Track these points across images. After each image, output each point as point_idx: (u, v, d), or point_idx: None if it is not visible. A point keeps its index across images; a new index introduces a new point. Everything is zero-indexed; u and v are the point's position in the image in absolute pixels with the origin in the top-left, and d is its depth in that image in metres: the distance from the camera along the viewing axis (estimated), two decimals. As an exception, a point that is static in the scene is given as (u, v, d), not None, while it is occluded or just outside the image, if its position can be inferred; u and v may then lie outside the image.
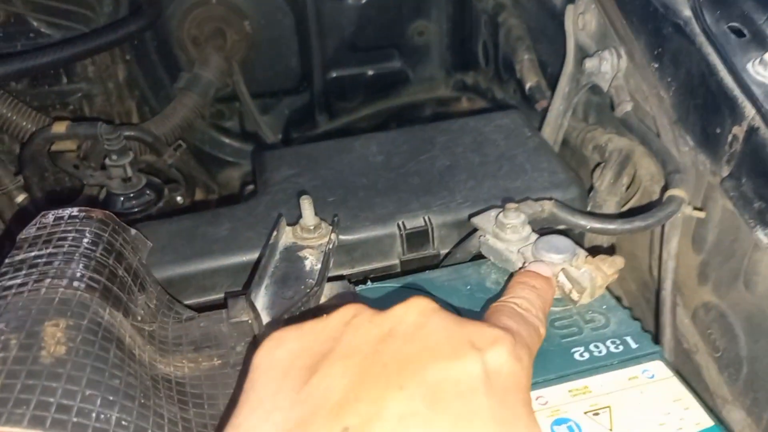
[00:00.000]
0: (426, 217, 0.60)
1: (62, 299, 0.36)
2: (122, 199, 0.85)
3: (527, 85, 0.89)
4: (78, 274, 0.38)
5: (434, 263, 0.60)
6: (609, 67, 0.61)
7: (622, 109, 0.60)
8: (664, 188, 0.57)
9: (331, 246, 0.49)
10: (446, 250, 0.60)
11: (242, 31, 1.22)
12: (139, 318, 0.41)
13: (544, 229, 0.53)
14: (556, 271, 0.43)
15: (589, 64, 0.62)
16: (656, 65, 0.59)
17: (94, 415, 0.32)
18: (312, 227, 0.52)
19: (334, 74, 1.32)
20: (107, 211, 0.45)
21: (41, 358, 0.33)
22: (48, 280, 0.37)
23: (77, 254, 0.40)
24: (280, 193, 0.65)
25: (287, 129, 1.35)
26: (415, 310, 0.32)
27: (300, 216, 0.54)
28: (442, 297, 0.46)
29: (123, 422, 0.33)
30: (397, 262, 0.60)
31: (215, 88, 1.17)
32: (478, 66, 1.23)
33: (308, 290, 0.46)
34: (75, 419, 0.31)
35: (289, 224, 0.56)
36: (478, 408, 0.28)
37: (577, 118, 0.81)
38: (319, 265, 0.49)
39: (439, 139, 0.71)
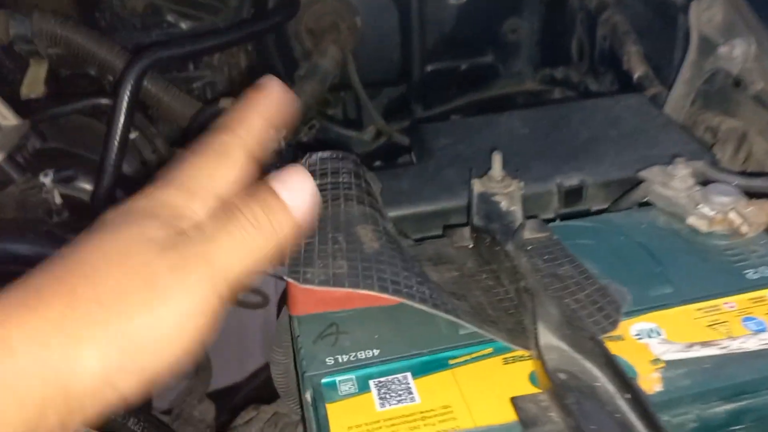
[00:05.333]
0: (579, 178, 0.70)
1: (359, 212, 0.47)
2: (274, 167, 0.97)
3: (636, 75, 0.99)
4: (358, 195, 0.49)
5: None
6: (740, 53, 0.70)
7: (756, 87, 0.70)
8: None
9: (522, 192, 0.60)
10: (596, 207, 0.70)
11: (353, 26, 1.33)
12: (392, 234, 0.52)
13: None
14: (726, 210, 0.53)
15: (722, 50, 0.72)
16: (783, 51, 0.69)
17: (415, 288, 0.43)
18: (500, 178, 0.62)
19: (430, 67, 1.43)
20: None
21: (366, 249, 0.44)
22: (342, 200, 0.48)
23: (353, 182, 0.51)
24: (443, 158, 0.75)
25: (385, 117, 1.46)
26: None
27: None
28: (624, 233, 0.56)
29: (433, 296, 0.43)
30: (552, 215, 0.71)
31: (332, 76, 1.28)
32: (569, 61, 1.33)
33: (511, 225, 0.56)
34: (405, 290, 0.42)
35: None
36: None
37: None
38: (512, 207, 0.59)
39: (574, 116, 0.81)
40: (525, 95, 1.43)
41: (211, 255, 0.31)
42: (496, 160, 0.62)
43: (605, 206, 0.70)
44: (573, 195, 0.69)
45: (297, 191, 0.34)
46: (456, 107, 1.46)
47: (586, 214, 0.70)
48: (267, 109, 0.37)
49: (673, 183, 0.57)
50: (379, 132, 1.44)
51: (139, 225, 0.31)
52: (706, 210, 0.54)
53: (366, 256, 0.43)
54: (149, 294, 0.29)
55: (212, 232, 0.32)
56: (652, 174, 0.59)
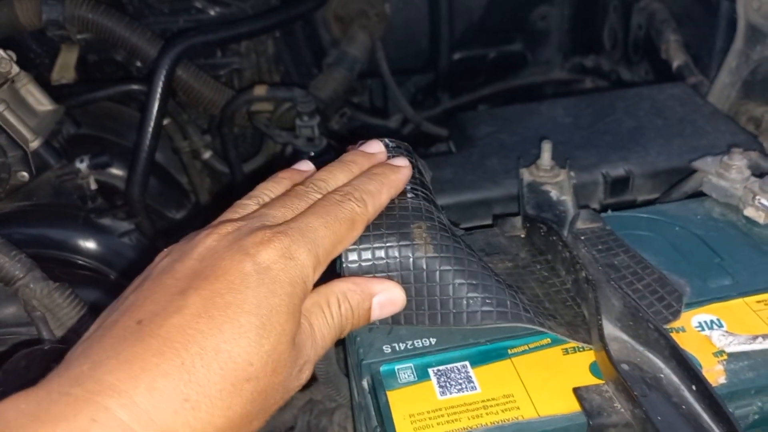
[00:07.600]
0: (626, 168, 0.69)
1: (413, 206, 0.46)
2: (307, 157, 0.96)
3: (675, 64, 0.97)
4: (412, 187, 0.48)
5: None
6: (792, 41, 0.69)
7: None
8: None
9: (573, 182, 0.59)
10: (642, 197, 0.69)
11: (382, 13, 1.32)
12: (447, 227, 0.51)
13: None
14: (786, 201, 0.52)
15: (775, 38, 0.71)
16: (838, 39, 0.67)
17: (464, 303, 0.42)
18: (549, 168, 0.61)
19: (458, 55, 1.41)
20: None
21: (418, 261, 0.43)
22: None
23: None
24: (486, 146, 0.75)
25: (411, 105, 1.45)
26: (212, 235, 0.38)
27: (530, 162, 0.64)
28: (679, 224, 0.55)
29: (487, 300, 0.43)
30: (597, 206, 0.70)
31: (360, 64, 1.27)
32: (600, 49, 1.31)
33: (563, 215, 0.55)
34: (454, 311, 0.42)
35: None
36: (243, 301, 0.34)
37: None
38: (563, 197, 0.58)
39: (618, 104, 0.79)
40: (554, 84, 1.42)
41: None
42: (546, 149, 0.61)
43: (651, 197, 0.69)
44: (619, 185, 0.68)
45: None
46: (483, 96, 1.44)
47: (632, 204, 0.69)
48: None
49: (728, 174, 0.56)
50: (405, 120, 1.43)
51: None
52: (764, 201, 0.53)
53: (418, 272, 0.43)
54: None
55: None
56: (705, 164, 0.58)
